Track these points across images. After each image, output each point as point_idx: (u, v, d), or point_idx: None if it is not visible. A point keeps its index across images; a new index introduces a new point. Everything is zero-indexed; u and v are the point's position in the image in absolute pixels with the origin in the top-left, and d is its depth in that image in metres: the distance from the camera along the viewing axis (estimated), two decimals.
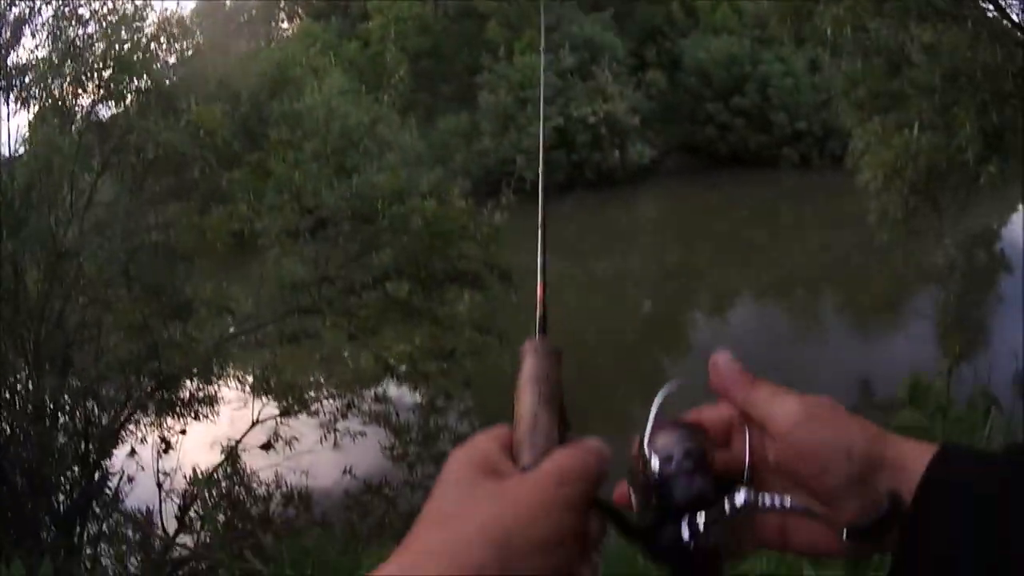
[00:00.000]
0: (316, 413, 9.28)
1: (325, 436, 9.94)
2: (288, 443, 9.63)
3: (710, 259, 24.75)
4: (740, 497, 0.68)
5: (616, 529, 0.67)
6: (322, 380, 9.48)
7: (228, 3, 8.46)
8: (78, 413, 7.62)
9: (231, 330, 8.42)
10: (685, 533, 0.67)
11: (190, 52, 8.60)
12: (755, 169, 35.90)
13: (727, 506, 0.67)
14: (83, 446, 7.58)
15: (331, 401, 9.66)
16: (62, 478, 7.23)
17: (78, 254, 7.27)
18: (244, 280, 10.13)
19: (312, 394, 9.40)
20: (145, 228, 7.77)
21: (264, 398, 9.13)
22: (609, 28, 37.29)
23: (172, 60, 8.52)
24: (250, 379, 8.94)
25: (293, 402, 9.16)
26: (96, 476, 7.41)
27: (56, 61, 7.58)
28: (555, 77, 33.82)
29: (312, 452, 9.37)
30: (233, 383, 9.11)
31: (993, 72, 8.42)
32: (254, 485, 8.26)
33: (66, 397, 7.33)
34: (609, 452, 0.66)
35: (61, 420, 7.48)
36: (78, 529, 7.20)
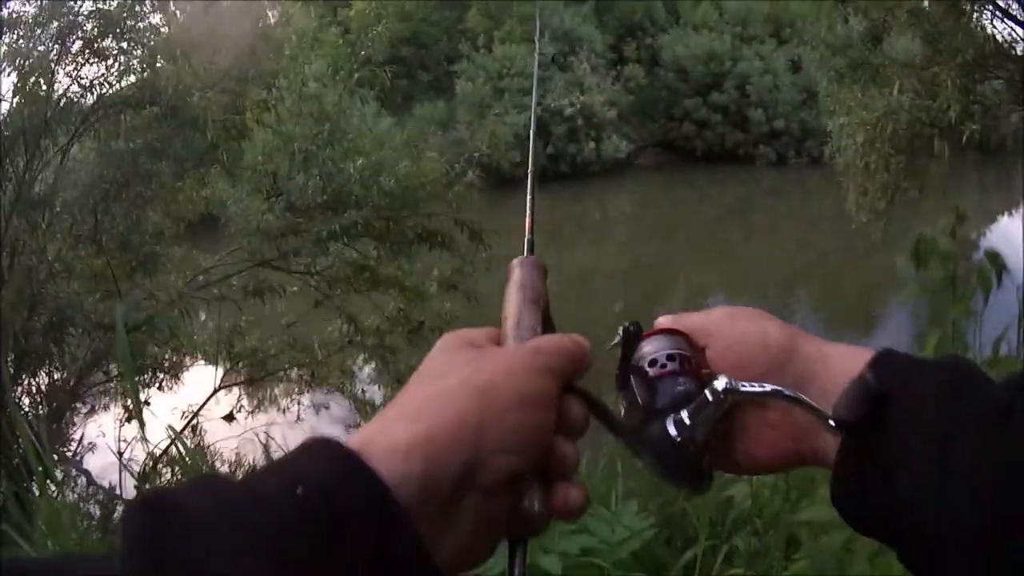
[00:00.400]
0: (281, 379, 9.13)
1: (288, 408, 9.75)
2: (251, 413, 9.46)
3: (684, 256, 24.73)
4: (720, 383, 0.68)
5: (599, 420, 0.68)
6: (288, 344, 9.27)
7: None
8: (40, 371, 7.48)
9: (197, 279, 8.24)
10: (672, 429, 0.70)
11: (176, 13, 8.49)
12: (731, 166, 36.06)
13: (709, 394, 0.69)
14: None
15: (296, 371, 9.50)
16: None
17: (50, 203, 7.19)
18: (212, 247, 9.94)
19: (275, 360, 9.25)
20: (118, 182, 7.59)
21: (227, 363, 8.97)
22: (589, 21, 37.22)
23: (157, 20, 8.38)
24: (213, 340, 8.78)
25: (256, 367, 9.01)
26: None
27: (43, 18, 7.47)
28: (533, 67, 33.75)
29: (275, 424, 9.22)
30: (197, 352, 8.97)
31: (975, 38, 8.47)
32: (214, 456, 8.07)
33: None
34: (588, 346, 0.68)
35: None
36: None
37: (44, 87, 7.43)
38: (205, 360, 9.54)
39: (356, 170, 8.86)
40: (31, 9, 7.56)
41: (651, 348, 0.76)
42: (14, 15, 7.42)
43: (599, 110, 34.43)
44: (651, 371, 0.74)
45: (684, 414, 0.70)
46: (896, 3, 9.22)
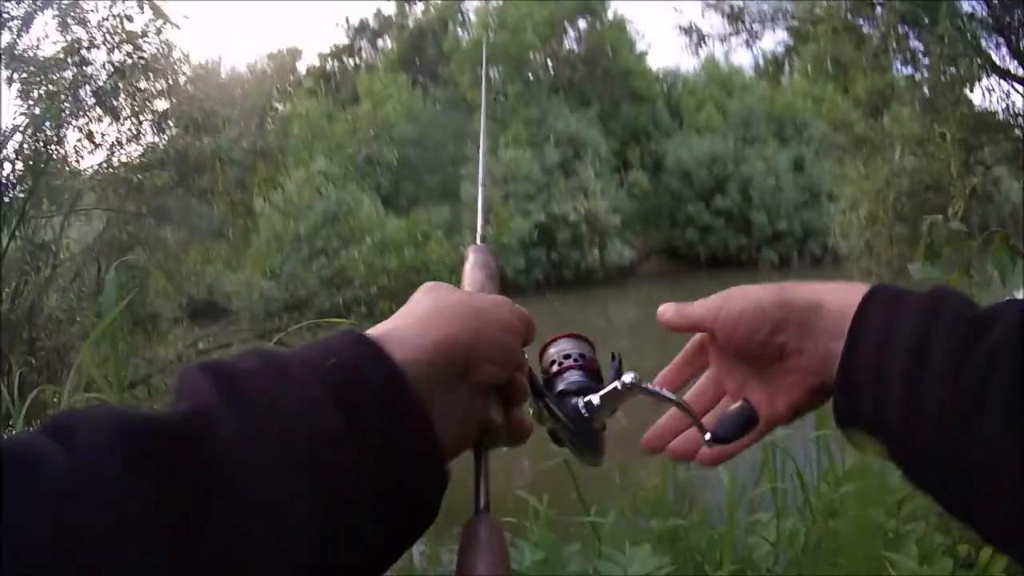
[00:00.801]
0: None
1: None
2: None
3: None
4: (628, 377, 0.82)
5: (531, 385, 0.82)
6: None
7: (223, 76, 8.60)
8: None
9: (197, 343, 8.16)
10: (582, 408, 0.83)
11: (184, 82, 8.58)
12: (734, 271, 36.02)
13: (619, 384, 0.82)
14: None
15: None
16: None
17: (56, 251, 7.21)
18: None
19: None
20: (123, 242, 7.61)
21: None
22: (594, 125, 37.67)
23: (168, 85, 8.49)
24: None
25: None
26: None
27: (60, 57, 7.53)
28: (539, 172, 34.13)
29: None
30: None
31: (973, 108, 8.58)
32: None
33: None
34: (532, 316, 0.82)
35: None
36: None
37: (56, 132, 7.47)
38: None
39: (361, 251, 8.91)
40: (47, 50, 7.63)
41: (560, 347, 0.90)
42: (28, 52, 7.48)
43: (603, 216, 34.54)
44: (564, 363, 0.88)
45: (595, 397, 0.83)
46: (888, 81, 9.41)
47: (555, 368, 0.88)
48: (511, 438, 0.79)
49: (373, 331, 0.67)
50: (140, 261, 7.66)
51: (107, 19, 7.73)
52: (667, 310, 0.94)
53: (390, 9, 48.52)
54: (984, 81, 9.18)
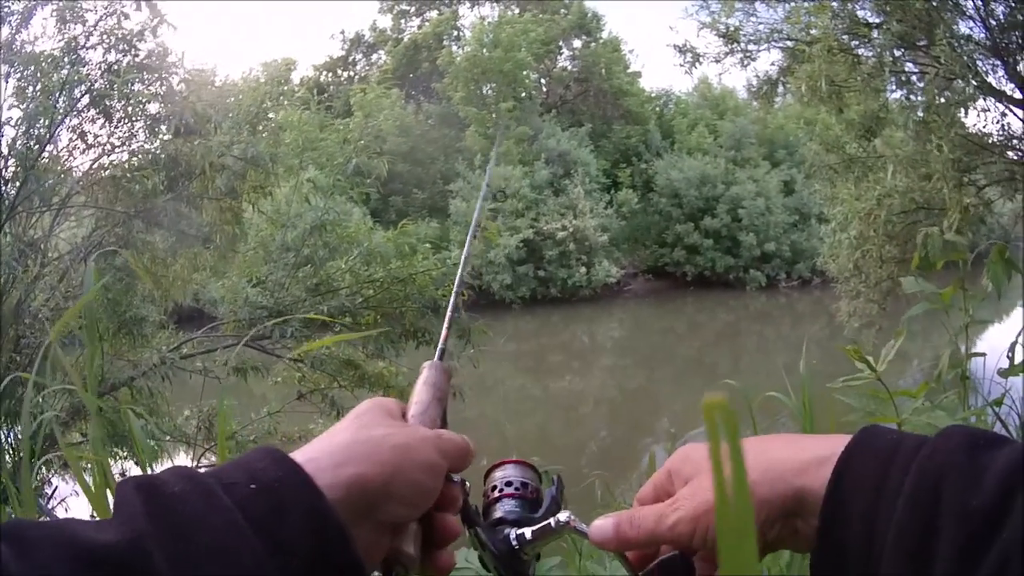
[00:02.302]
0: None
1: None
2: None
3: (671, 384, 24.46)
4: (563, 516, 0.85)
5: (463, 510, 0.85)
6: (268, 433, 9.08)
7: (217, 82, 8.57)
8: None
9: (180, 348, 8.10)
10: (514, 540, 0.84)
11: (178, 85, 8.55)
12: (721, 292, 36.17)
13: (553, 523, 0.84)
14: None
15: None
16: None
17: (44, 249, 7.18)
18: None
19: (253, 447, 8.99)
20: (112, 244, 7.59)
21: (204, 444, 8.76)
22: (585, 144, 37.79)
23: (162, 90, 8.46)
24: (193, 423, 8.56)
25: (234, 452, 8.77)
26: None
27: (57, 55, 7.54)
28: (528, 189, 34.21)
29: None
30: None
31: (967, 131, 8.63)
32: None
33: None
34: (473, 447, 0.84)
35: None
36: None
37: (48, 131, 7.46)
38: (184, 443, 9.33)
39: (347, 261, 8.90)
40: (46, 46, 7.63)
41: (505, 473, 0.91)
42: (25, 47, 7.47)
43: (591, 234, 34.56)
44: (505, 491, 0.89)
45: (528, 531, 0.85)
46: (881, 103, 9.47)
47: (496, 494, 0.89)
48: (427, 571, 0.80)
49: (299, 454, 0.71)
50: (126, 263, 7.61)
51: (104, 18, 7.72)
52: (603, 532, 0.81)
53: (386, 23, 48.66)
54: (980, 102, 9.26)
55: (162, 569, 0.54)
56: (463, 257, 1.28)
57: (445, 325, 1.08)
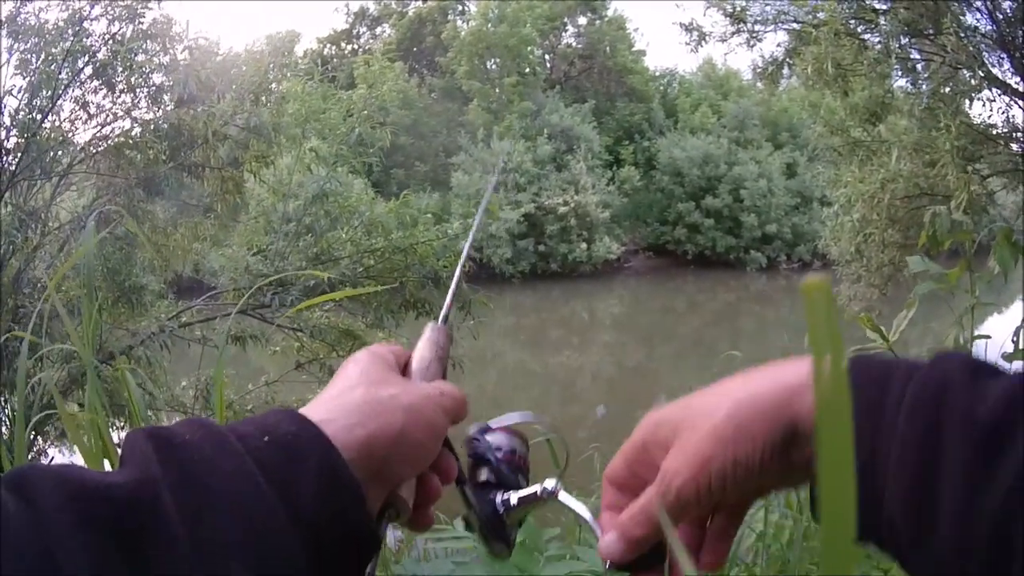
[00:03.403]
0: None
1: None
2: None
3: (669, 362, 24.45)
4: (551, 483, 0.87)
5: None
6: (266, 402, 9.09)
7: (219, 56, 8.54)
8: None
9: (180, 316, 8.10)
10: (499, 505, 0.86)
11: (181, 56, 8.51)
12: (721, 271, 36.21)
13: (538, 490, 0.86)
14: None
15: None
16: None
17: (45, 218, 7.17)
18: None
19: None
20: (113, 212, 7.56)
21: (203, 413, 8.78)
22: (588, 121, 37.71)
23: (166, 60, 8.41)
24: (190, 392, 8.57)
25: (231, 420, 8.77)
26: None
27: (60, 27, 7.51)
28: (531, 164, 34.19)
29: None
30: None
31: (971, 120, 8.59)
32: None
33: None
34: (466, 398, 0.83)
35: None
36: None
37: (50, 101, 7.44)
38: (182, 412, 9.34)
39: (348, 231, 8.89)
40: (51, 17, 7.58)
41: (495, 440, 0.90)
42: (30, 19, 7.43)
43: (593, 211, 34.56)
44: (495, 455, 0.89)
45: (514, 496, 0.86)
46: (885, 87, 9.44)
47: (486, 456, 0.89)
48: (412, 524, 0.80)
49: (306, 412, 0.70)
50: (127, 232, 7.59)
51: None
52: (613, 547, 0.78)
53: None
54: (985, 93, 9.23)
55: (170, 512, 0.54)
56: (472, 231, 1.28)
57: (450, 292, 1.08)
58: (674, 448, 0.73)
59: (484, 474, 0.88)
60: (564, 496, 0.87)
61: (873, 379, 0.63)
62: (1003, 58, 9.57)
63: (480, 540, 0.88)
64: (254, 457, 0.60)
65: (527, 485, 0.88)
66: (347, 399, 0.72)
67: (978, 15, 9.59)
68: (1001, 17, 9.38)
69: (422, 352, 0.90)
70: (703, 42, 12.57)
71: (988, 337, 2.53)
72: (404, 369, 0.86)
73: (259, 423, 0.64)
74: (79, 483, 0.52)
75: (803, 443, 0.67)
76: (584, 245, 34.70)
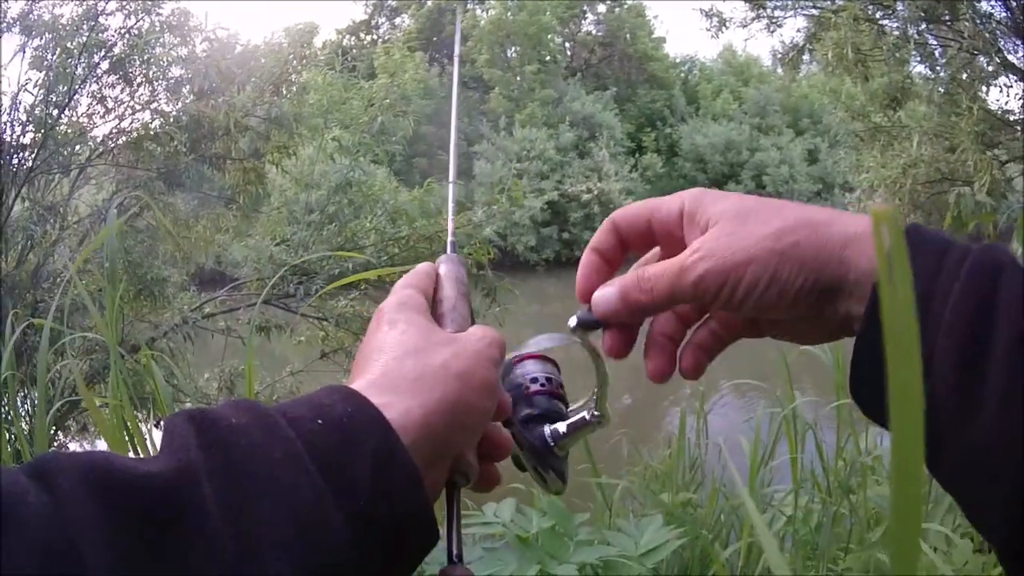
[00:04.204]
0: None
1: None
2: None
3: None
4: (595, 412, 0.84)
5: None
6: (291, 392, 9.13)
7: (239, 48, 8.57)
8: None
9: (203, 307, 8.13)
10: (548, 437, 0.83)
11: (201, 47, 8.52)
12: None
13: (588, 416, 0.84)
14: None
15: None
16: None
17: (63, 213, 7.20)
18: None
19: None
20: (133, 206, 7.59)
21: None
22: (610, 108, 37.64)
23: (184, 53, 8.42)
24: (214, 384, 8.61)
25: None
26: None
27: (75, 22, 7.53)
28: (553, 151, 34.18)
29: None
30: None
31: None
32: None
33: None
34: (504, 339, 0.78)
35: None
36: None
37: (67, 96, 7.47)
38: (205, 403, 9.39)
39: (372, 219, 8.91)
40: (65, 12, 7.59)
41: (532, 368, 0.88)
42: (44, 16, 7.46)
43: (616, 197, 34.45)
44: (531, 387, 0.86)
45: (562, 426, 0.84)
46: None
47: (522, 391, 0.86)
48: (478, 485, 0.76)
49: (360, 389, 0.64)
50: (148, 225, 7.63)
51: None
52: (608, 301, 0.78)
53: None
54: (1001, 79, 9.21)
55: (209, 502, 0.50)
56: (452, 142, 1.25)
57: (450, 218, 1.10)
58: (715, 230, 0.69)
59: (526, 408, 0.84)
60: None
61: (932, 245, 0.61)
62: (1018, 45, 9.56)
63: (535, 477, 0.85)
64: (306, 442, 0.56)
65: (567, 411, 0.86)
66: (396, 376, 0.67)
67: (993, 2, 9.57)
68: (1015, 4, 9.35)
69: (446, 292, 0.86)
70: (723, 28, 12.52)
71: None
72: (433, 307, 0.82)
73: (313, 403, 0.60)
74: (107, 472, 0.49)
75: (841, 298, 0.65)
76: None
